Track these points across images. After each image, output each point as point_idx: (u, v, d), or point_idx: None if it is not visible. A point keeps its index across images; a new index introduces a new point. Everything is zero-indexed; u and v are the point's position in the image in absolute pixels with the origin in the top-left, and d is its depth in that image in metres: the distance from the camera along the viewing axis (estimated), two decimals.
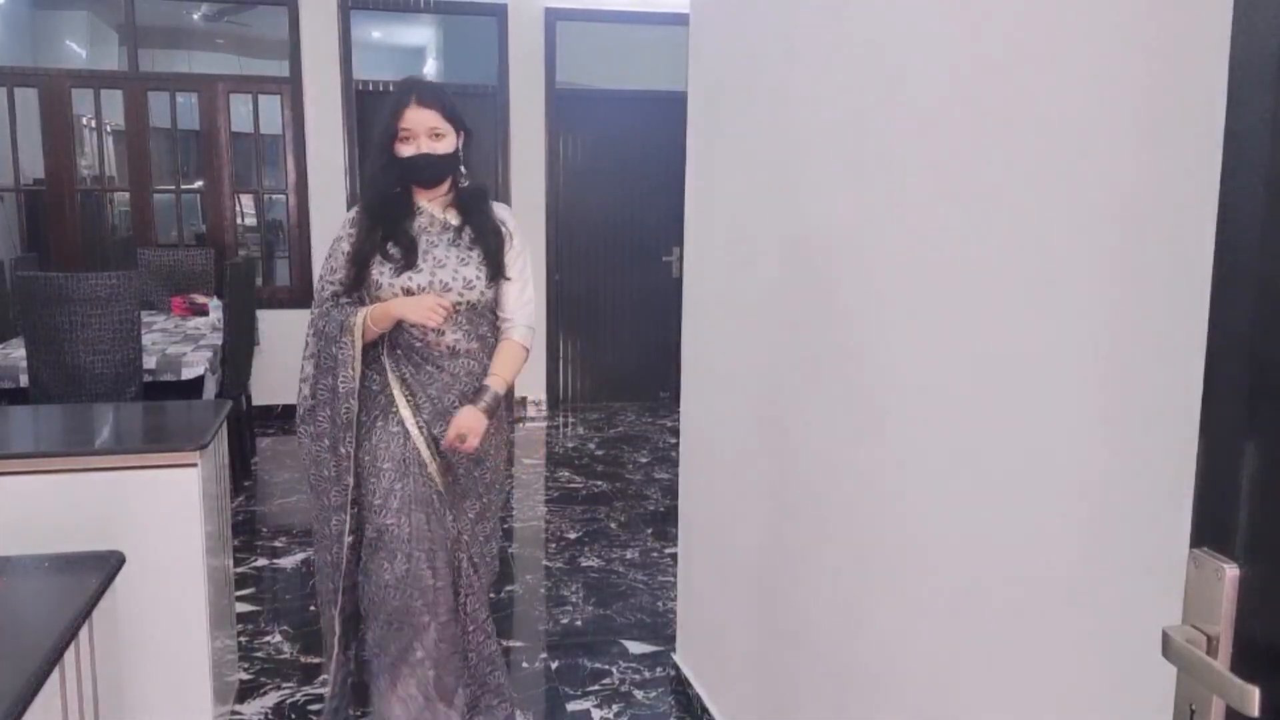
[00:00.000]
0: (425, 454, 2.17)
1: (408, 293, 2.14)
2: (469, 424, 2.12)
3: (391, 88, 3.51)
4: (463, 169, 2.22)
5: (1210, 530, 0.72)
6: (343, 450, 2.17)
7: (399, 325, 2.15)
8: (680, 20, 2.92)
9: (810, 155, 1.91)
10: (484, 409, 2.16)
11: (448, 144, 2.15)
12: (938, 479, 1.47)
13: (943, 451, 1.45)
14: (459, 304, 2.16)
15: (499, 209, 2.29)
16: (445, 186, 2.21)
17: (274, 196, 6.57)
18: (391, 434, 2.16)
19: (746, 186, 2.26)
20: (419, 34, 8.63)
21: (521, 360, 2.27)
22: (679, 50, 2.85)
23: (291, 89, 5.95)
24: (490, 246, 2.20)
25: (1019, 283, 1.28)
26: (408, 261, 2.15)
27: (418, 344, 2.18)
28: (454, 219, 2.22)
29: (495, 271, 2.21)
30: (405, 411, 2.17)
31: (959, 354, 1.41)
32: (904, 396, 1.57)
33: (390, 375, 2.19)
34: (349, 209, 2.30)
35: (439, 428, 2.16)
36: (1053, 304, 1.21)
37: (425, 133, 2.11)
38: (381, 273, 2.15)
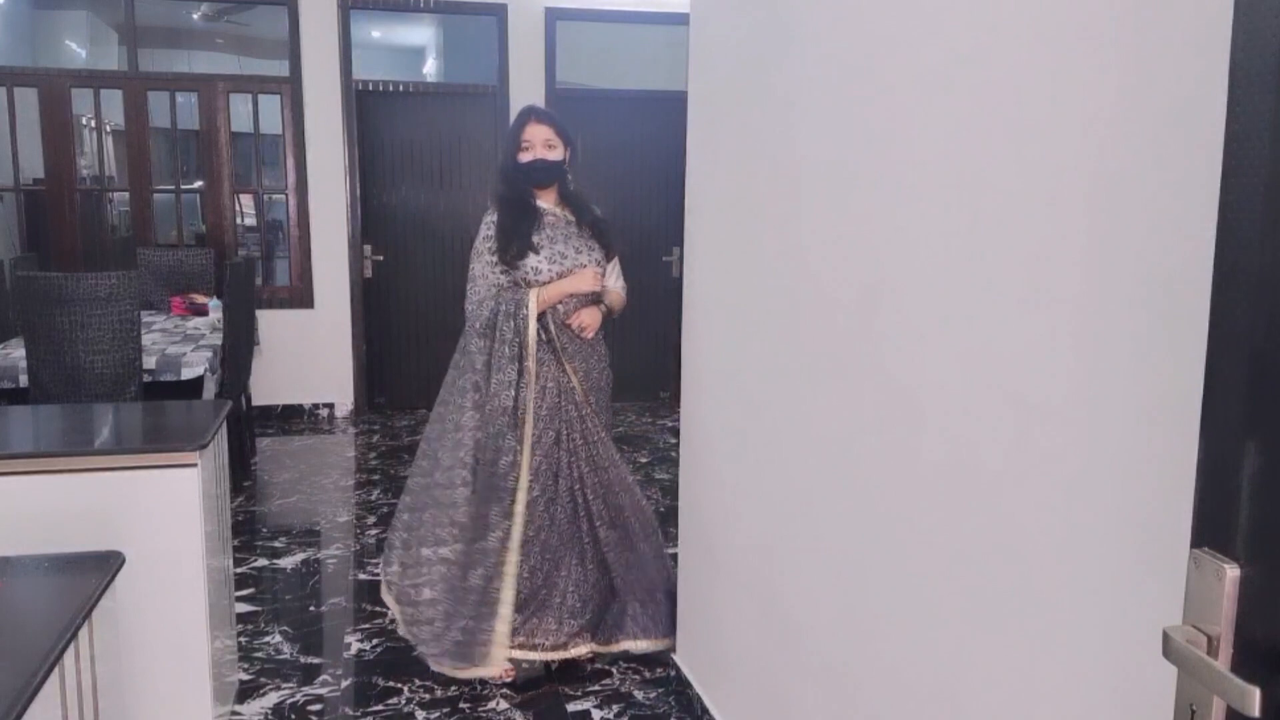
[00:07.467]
0: (586, 407, 2.87)
1: (560, 276, 2.83)
2: (590, 317, 2.86)
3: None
4: (569, 174, 2.93)
5: (1210, 530, 0.72)
6: (512, 393, 2.78)
7: (548, 310, 2.82)
8: (680, 20, 2.92)
9: (810, 154, 1.91)
10: (603, 310, 2.93)
11: (558, 154, 2.86)
12: (937, 479, 1.47)
13: (942, 451, 1.46)
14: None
15: (594, 206, 3.01)
16: (555, 188, 2.90)
17: (274, 196, 6.57)
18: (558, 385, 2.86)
19: (746, 186, 2.26)
20: (419, 34, 8.63)
21: (622, 302, 3.03)
22: (679, 50, 2.86)
23: (291, 89, 5.95)
24: (603, 238, 2.94)
25: (1019, 282, 1.28)
26: (550, 252, 2.83)
27: (571, 325, 2.87)
28: (570, 215, 2.91)
29: (608, 255, 2.96)
30: (570, 372, 2.86)
31: (958, 354, 1.41)
32: (903, 396, 1.57)
33: (557, 347, 2.85)
34: (487, 230, 2.87)
35: (595, 399, 2.88)
36: (1052, 304, 1.21)
37: (541, 144, 2.82)
38: (539, 261, 2.81)
